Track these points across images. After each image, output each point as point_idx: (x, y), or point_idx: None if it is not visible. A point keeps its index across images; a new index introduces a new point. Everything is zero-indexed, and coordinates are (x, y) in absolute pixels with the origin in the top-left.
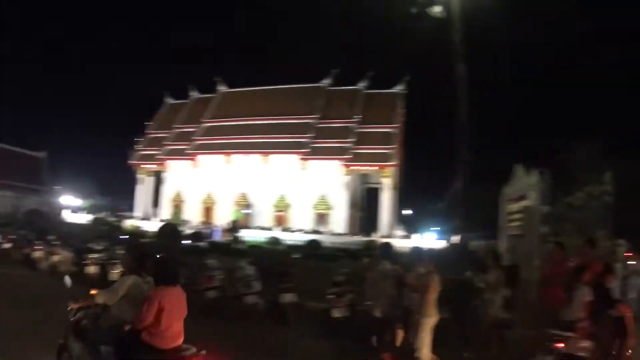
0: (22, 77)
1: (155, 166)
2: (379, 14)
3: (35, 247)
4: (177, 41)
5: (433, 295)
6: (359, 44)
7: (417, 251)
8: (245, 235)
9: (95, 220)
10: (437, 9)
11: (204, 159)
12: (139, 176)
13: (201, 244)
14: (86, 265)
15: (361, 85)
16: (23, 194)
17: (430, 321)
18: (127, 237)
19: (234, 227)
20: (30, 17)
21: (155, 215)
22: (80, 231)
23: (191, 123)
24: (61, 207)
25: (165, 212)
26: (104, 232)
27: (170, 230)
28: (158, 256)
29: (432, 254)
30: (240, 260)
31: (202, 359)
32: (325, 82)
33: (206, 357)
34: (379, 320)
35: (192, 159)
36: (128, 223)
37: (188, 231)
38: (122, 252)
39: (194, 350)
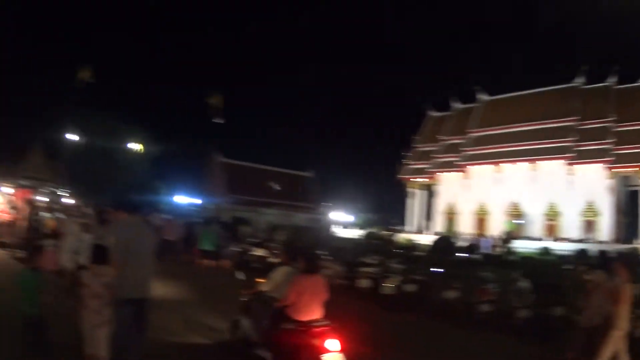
0: (287, 102)
1: (425, 179)
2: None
3: None
4: (425, 53)
5: (624, 306)
6: (598, 38)
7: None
8: (517, 245)
9: (367, 234)
10: None
11: (474, 169)
12: (410, 190)
13: (474, 256)
14: (357, 278)
15: (611, 81)
16: (293, 212)
17: (616, 334)
18: (402, 250)
19: (507, 238)
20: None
21: (427, 228)
22: (351, 246)
23: (457, 134)
24: (331, 223)
25: (438, 224)
26: (377, 246)
27: (445, 243)
28: (304, 251)
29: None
30: (513, 272)
31: (328, 329)
32: (579, 81)
33: (331, 329)
34: (583, 330)
35: (462, 171)
36: (401, 237)
37: (461, 243)
38: (395, 265)
39: (323, 322)
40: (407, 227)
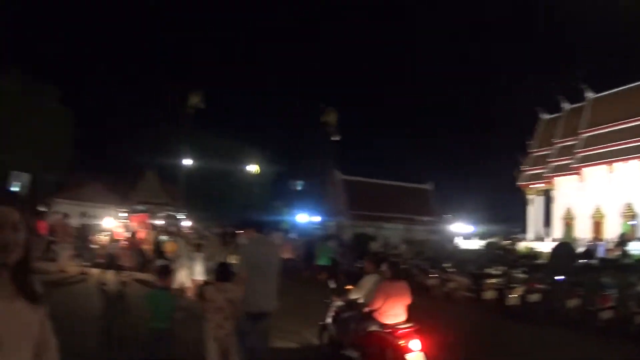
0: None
1: (542, 185)
2: None
3: (430, 275)
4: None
5: None
6: None
7: None
8: (632, 248)
9: (488, 245)
10: None
11: (587, 171)
12: (529, 197)
13: (592, 261)
14: (482, 290)
15: None
16: (413, 226)
17: None
18: (523, 259)
19: (622, 240)
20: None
21: (547, 235)
22: (474, 257)
23: (569, 135)
24: (452, 235)
25: (557, 230)
26: (499, 256)
27: (564, 249)
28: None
29: None
30: (631, 276)
31: (412, 331)
32: None
33: (415, 331)
34: None
35: (577, 173)
36: (521, 245)
37: (579, 249)
38: (518, 275)
39: (407, 325)
40: (527, 235)
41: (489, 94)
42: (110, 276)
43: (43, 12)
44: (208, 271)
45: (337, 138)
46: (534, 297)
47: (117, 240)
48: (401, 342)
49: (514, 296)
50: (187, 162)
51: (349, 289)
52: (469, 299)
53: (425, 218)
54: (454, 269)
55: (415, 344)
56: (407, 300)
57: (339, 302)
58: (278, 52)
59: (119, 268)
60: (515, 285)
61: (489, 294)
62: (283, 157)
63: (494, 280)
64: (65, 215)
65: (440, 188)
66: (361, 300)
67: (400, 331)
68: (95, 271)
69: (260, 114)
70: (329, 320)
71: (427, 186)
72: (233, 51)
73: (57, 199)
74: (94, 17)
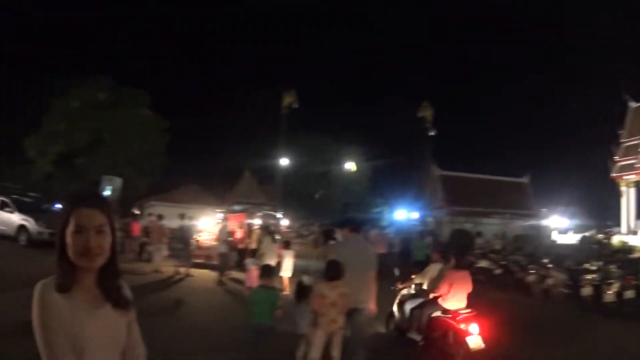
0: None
1: (633, 176)
2: None
3: (529, 271)
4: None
5: None
6: None
7: None
8: None
9: (583, 239)
10: None
11: None
12: (621, 188)
13: None
14: (581, 286)
15: None
16: (510, 220)
17: None
18: (619, 253)
19: None
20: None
21: (639, 228)
22: (570, 252)
23: None
24: (549, 230)
25: None
26: (594, 251)
27: None
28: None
29: None
30: None
31: (471, 316)
32: None
33: (474, 316)
34: None
35: None
36: (615, 239)
37: None
38: (614, 270)
39: (467, 310)
40: (621, 229)
41: (580, 82)
42: (214, 275)
43: (128, 22)
44: (303, 269)
45: (433, 133)
46: (629, 294)
47: (224, 240)
48: (461, 326)
49: (610, 292)
50: (284, 161)
51: (413, 277)
52: (567, 295)
53: (522, 212)
54: (552, 265)
55: (474, 328)
56: (468, 288)
57: (403, 290)
58: (371, 48)
59: (224, 268)
60: (611, 281)
61: (586, 290)
62: (380, 154)
63: (590, 276)
64: (160, 217)
65: (535, 181)
66: (424, 287)
67: (461, 316)
68: (193, 271)
69: (356, 111)
70: (394, 307)
71: (523, 179)
72: (326, 49)
73: (153, 202)
74: (181, 23)
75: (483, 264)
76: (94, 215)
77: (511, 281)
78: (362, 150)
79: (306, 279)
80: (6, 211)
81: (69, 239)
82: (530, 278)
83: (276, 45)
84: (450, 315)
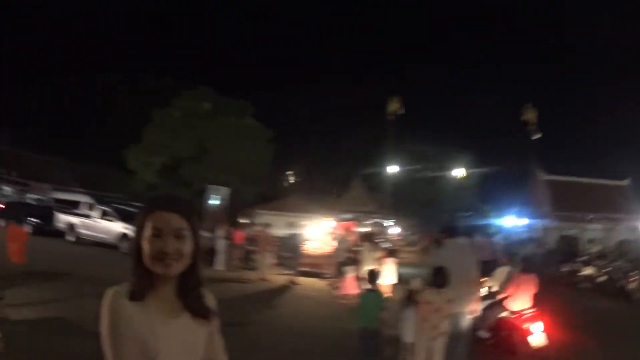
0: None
1: None
2: None
3: (630, 279)
4: None
5: None
6: None
7: None
8: None
9: None
10: None
11: None
12: None
13: None
14: None
15: None
16: (612, 225)
17: None
18: None
19: None
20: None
21: None
22: None
23: None
24: None
25: None
26: None
27: None
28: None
29: None
30: None
31: (535, 316)
32: None
33: (539, 315)
34: None
35: None
36: None
37: None
38: None
39: (531, 310)
40: None
41: None
42: (322, 284)
43: (224, 35)
44: (411, 276)
45: (538, 136)
46: None
47: (343, 250)
48: (524, 326)
49: None
50: (393, 169)
51: (482, 280)
52: None
53: (625, 216)
54: None
55: (537, 327)
56: (533, 290)
57: None
58: (474, 52)
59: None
60: None
61: None
62: (487, 159)
63: None
64: (267, 225)
65: (637, 183)
66: (495, 289)
67: (525, 316)
68: (300, 279)
69: (461, 116)
70: None
71: (624, 182)
72: (431, 53)
73: (261, 211)
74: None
75: (588, 271)
76: (172, 219)
77: (613, 289)
78: (471, 156)
79: (415, 285)
80: (107, 220)
81: (145, 243)
82: (632, 285)
83: (379, 51)
84: (516, 316)
